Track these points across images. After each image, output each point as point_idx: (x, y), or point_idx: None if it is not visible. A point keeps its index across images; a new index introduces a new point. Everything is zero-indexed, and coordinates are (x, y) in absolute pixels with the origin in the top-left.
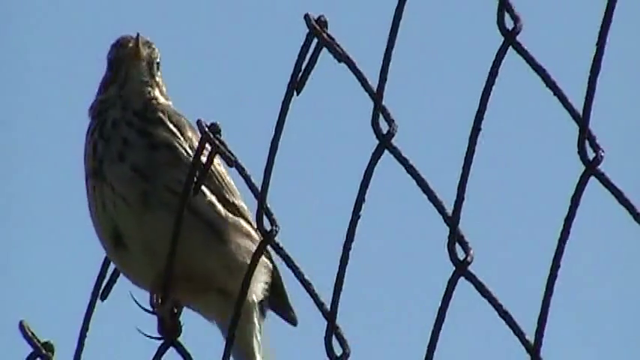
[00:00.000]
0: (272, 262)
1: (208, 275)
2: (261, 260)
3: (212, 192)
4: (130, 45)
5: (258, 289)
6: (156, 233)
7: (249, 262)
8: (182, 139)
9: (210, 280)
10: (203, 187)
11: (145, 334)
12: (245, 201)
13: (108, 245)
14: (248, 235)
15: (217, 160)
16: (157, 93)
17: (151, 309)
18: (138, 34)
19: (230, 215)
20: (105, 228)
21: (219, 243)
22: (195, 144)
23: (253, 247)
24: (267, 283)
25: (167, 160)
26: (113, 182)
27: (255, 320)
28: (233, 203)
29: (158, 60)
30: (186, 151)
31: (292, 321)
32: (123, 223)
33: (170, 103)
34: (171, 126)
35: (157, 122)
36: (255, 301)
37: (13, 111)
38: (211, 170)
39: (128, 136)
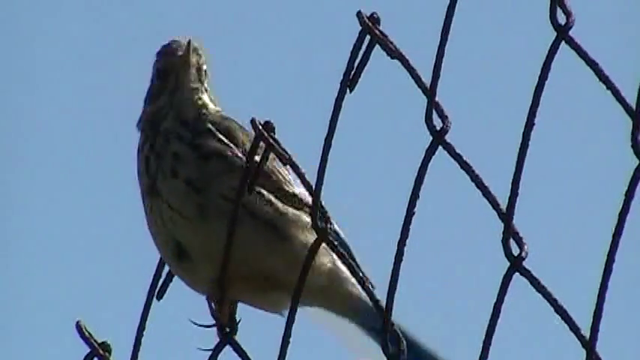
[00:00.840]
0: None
1: (270, 274)
2: (324, 251)
3: (269, 190)
4: (180, 53)
5: (318, 280)
6: (216, 243)
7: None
8: (233, 145)
9: (272, 278)
10: (259, 188)
11: (200, 325)
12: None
13: (170, 259)
14: (310, 229)
15: (272, 155)
16: (206, 99)
17: (209, 323)
18: (189, 41)
19: (290, 210)
20: (165, 243)
21: (281, 241)
22: (248, 146)
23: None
24: (332, 263)
25: (220, 169)
26: (168, 198)
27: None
28: (294, 194)
29: (205, 66)
30: (238, 157)
31: None
32: (183, 237)
33: (219, 108)
34: (220, 135)
35: (206, 133)
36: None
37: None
38: (267, 167)
39: (179, 151)
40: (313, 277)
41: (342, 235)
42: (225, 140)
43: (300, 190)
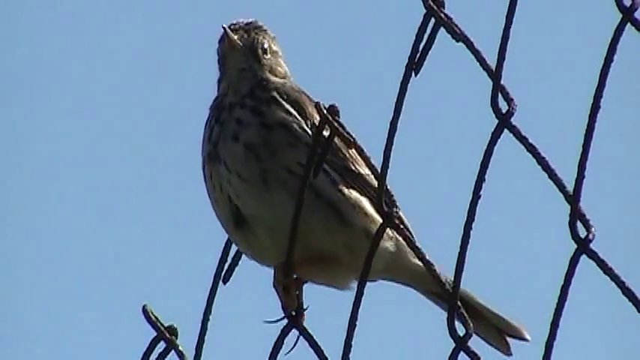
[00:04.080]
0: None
1: (331, 256)
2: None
3: (335, 168)
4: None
5: (380, 264)
6: (276, 212)
7: (369, 242)
8: (300, 118)
9: (334, 259)
10: (325, 165)
11: (273, 321)
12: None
13: (228, 226)
14: (370, 215)
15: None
16: (267, 75)
17: (279, 318)
18: (225, 28)
19: (354, 194)
20: (224, 210)
21: (340, 224)
22: (317, 119)
23: (375, 227)
24: (395, 242)
25: (284, 141)
26: (227, 161)
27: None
28: (360, 173)
29: (266, 44)
30: (305, 130)
31: None
32: (242, 202)
33: (286, 81)
34: (287, 105)
35: (270, 101)
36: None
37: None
38: (335, 143)
39: (241, 116)
40: (376, 260)
41: (406, 221)
42: (292, 111)
43: (366, 171)
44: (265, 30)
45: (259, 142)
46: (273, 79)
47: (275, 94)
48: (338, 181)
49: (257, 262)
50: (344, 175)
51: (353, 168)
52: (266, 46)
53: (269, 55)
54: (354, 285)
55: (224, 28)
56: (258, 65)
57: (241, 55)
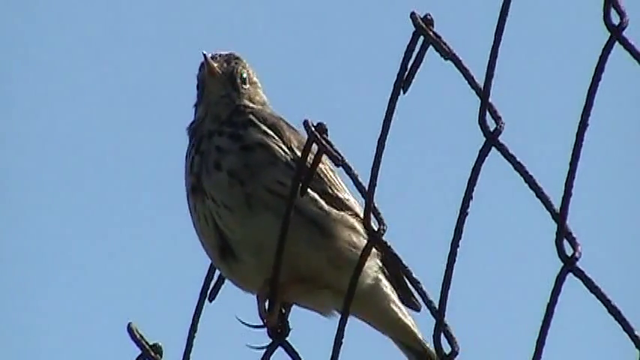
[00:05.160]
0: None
1: (316, 274)
2: (372, 253)
3: (314, 189)
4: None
5: (367, 279)
6: (262, 234)
7: (355, 256)
8: (278, 139)
9: (319, 278)
10: (308, 190)
11: (249, 325)
12: (353, 194)
13: (214, 256)
14: (353, 229)
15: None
16: (245, 102)
17: (258, 323)
18: (205, 55)
19: (334, 210)
20: (209, 239)
21: (324, 239)
22: (295, 144)
23: (359, 241)
24: (377, 272)
25: (264, 160)
26: (213, 193)
27: (389, 292)
28: (338, 197)
29: (244, 74)
30: (283, 150)
31: (414, 307)
32: (230, 230)
33: (265, 107)
34: (264, 127)
35: (247, 124)
36: (379, 275)
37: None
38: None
39: (221, 144)
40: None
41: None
42: (270, 132)
43: (344, 195)
44: (244, 61)
45: (241, 166)
46: (251, 105)
47: (251, 117)
48: (318, 199)
49: (245, 290)
50: (323, 196)
51: (331, 192)
52: (245, 75)
53: (247, 85)
54: (336, 312)
55: (204, 55)
56: (236, 94)
57: (220, 83)
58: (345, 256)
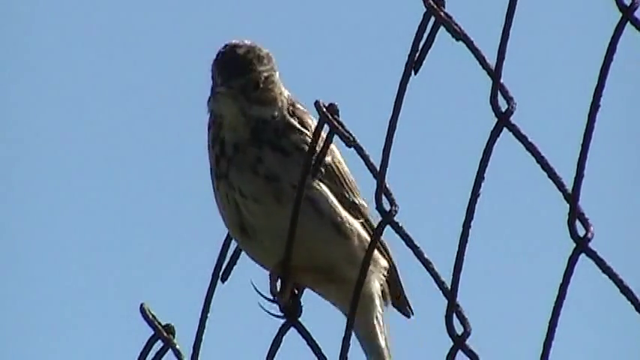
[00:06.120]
0: (390, 259)
1: (330, 267)
2: (378, 257)
3: (334, 193)
4: (219, 90)
5: (376, 278)
6: (286, 225)
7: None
8: (307, 131)
9: (332, 271)
10: (325, 189)
11: (267, 312)
12: (365, 199)
13: (234, 231)
14: (369, 234)
15: (339, 158)
16: (255, 113)
17: (271, 296)
18: (224, 87)
19: (350, 216)
20: (230, 217)
21: (342, 239)
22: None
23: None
24: (384, 275)
25: (299, 160)
26: (241, 187)
27: (377, 304)
28: (353, 202)
29: (263, 76)
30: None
31: (407, 314)
32: (252, 218)
33: (282, 102)
34: (299, 126)
35: (288, 128)
36: (376, 287)
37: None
38: (334, 170)
39: (261, 155)
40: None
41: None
42: (305, 130)
43: (360, 201)
44: (251, 72)
45: (278, 169)
46: (269, 112)
47: (290, 120)
48: (337, 205)
49: (255, 262)
50: (339, 199)
51: (347, 196)
52: (261, 78)
53: (258, 91)
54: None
55: (223, 87)
56: (247, 104)
57: (240, 99)
58: (359, 257)
